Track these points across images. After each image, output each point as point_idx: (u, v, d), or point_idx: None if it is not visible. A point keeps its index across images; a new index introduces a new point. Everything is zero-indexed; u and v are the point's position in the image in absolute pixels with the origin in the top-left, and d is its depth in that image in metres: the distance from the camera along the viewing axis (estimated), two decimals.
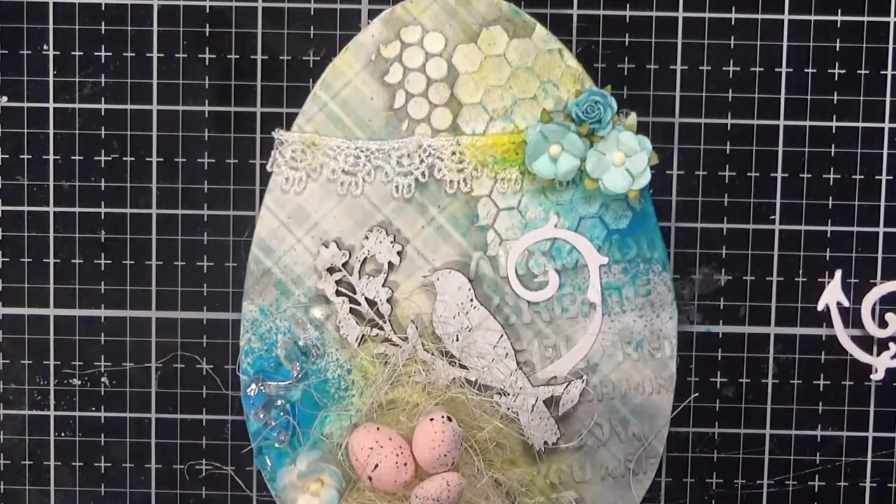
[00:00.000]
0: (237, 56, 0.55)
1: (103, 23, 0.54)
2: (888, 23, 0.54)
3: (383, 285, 0.53)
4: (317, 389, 0.53)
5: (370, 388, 0.52)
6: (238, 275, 0.54)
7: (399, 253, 0.53)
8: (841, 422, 0.56)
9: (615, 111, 0.51)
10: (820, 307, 0.55)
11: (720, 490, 0.56)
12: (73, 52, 0.54)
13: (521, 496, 0.53)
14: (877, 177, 0.55)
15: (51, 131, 0.55)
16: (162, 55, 0.54)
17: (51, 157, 0.55)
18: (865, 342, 0.56)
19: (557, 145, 0.51)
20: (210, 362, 0.55)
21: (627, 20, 0.54)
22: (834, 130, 0.55)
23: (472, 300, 0.53)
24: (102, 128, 0.55)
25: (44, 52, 0.55)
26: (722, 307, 0.56)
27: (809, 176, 0.55)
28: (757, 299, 0.56)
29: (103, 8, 0.54)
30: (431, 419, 0.50)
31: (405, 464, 0.50)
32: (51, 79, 0.55)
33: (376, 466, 0.49)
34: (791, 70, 0.55)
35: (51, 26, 0.54)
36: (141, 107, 0.55)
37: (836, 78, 0.55)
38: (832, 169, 0.55)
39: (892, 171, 0.55)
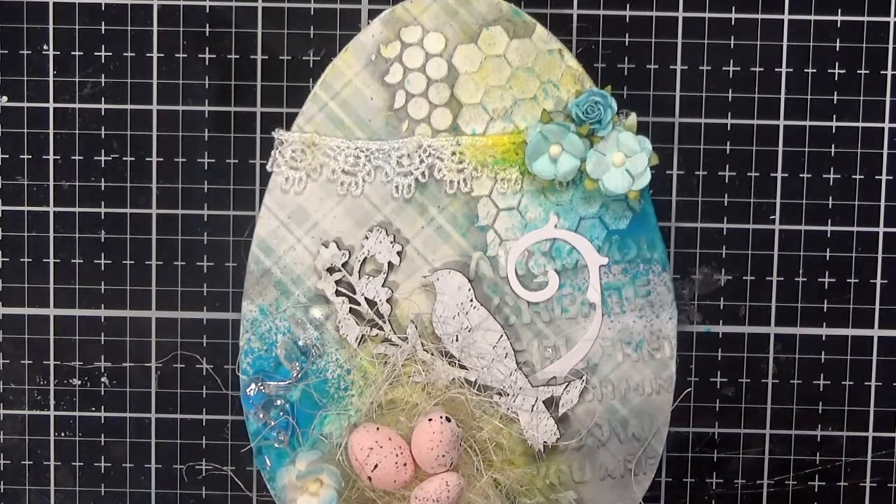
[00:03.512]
0: (237, 56, 0.55)
1: (103, 23, 0.54)
2: (888, 23, 0.54)
3: (383, 285, 0.53)
4: (316, 389, 0.53)
5: (370, 388, 0.52)
6: (238, 275, 0.55)
7: (399, 253, 0.53)
8: (841, 422, 0.56)
9: (615, 111, 0.51)
10: None
11: (720, 490, 0.56)
12: (73, 52, 0.54)
13: (520, 496, 0.53)
14: (877, 177, 0.55)
15: (51, 131, 0.55)
16: (162, 55, 0.54)
17: (51, 157, 0.55)
18: None
19: (557, 146, 0.51)
20: (210, 362, 0.55)
21: (627, 20, 0.54)
22: (834, 130, 0.55)
23: (471, 300, 0.53)
24: (102, 128, 0.55)
25: (44, 52, 0.55)
26: (722, 307, 0.56)
27: (809, 176, 0.55)
28: (757, 299, 0.56)
29: (103, 8, 0.54)
30: (430, 419, 0.50)
31: (405, 464, 0.50)
32: (51, 79, 0.55)
33: (376, 466, 0.49)
34: (791, 70, 0.55)
35: (51, 26, 0.55)
36: (141, 107, 0.55)
37: (836, 78, 0.55)
38: (832, 169, 0.55)
39: (892, 171, 0.55)
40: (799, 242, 0.55)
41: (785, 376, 0.56)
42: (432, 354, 0.52)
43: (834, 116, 0.55)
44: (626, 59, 0.54)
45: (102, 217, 0.55)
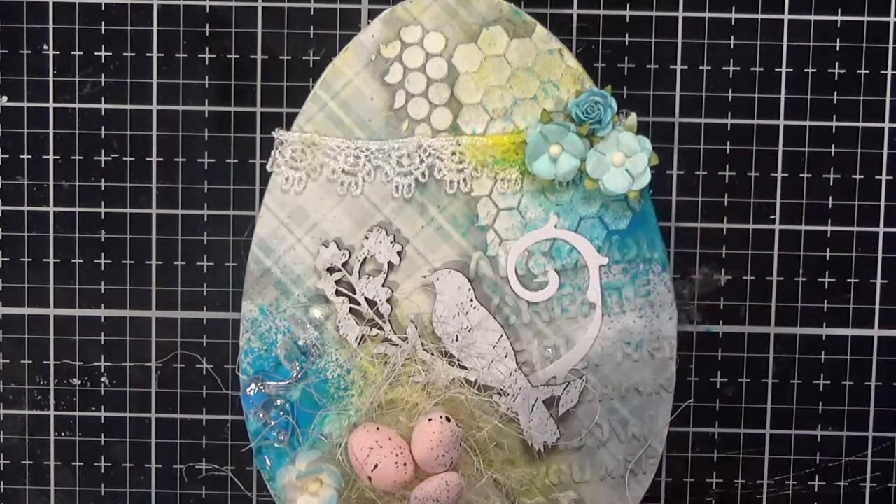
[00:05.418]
0: (237, 56, 0.55)
1: (103, 23, 0.54)
2: (888, 23, 0.54)
3: (383, 285, 0.53)
4: (316, 389, 0.53)
5: (370, 388, 0.52)
6: (238, 275, 0.55)
7: (399, 253, 0.53)
8: (841, 422, 0.56)
9: (615, 111, 0.51)
10: None
11: (720, 490, 0.56)
12: (73, 52, 0.55)
13: (520, 496, 0.53)
14: (877, 177, 0.55)
15: (51, 131, 0.55)
16: (162, 55, 0.55)
17: (51, 157, 0.55)
18: None
19: (557, 146, 0.51)
20: (210, 362, 0.55)
21: (627, 20, 0.54)
22: (834, 130, 0.55)
23: (471, 300, 0.53)
24: (102, 128, 0.55)
25: (44, 52, 0.55)
26: (722, 307, 0.56)
27: (809, 176, 0.55)
28: (757, 299, 0.56)
29: (103, 8, 0.54)
30: (430, 419, 0.50)
31: (405, 464, 0.50)
32: (51, 79, 0.55)
33: (376, 466, 0.49)
34: (791, 70, 0.55)
35: (51, 26, 0.55)
36: (141, 107, 0.55)
37: (836, 78, 0.55)
38: (832, 169, 0.55)
39: (892, 171, 0.55)
40: (799, 242, 0.55)
41: (785, 376, 0.56)
42: (432, 354, 0.52)
43: (834, 116, 0.55)
44: (626, 59, 0.54)
45: (102, 217, 0.55)
